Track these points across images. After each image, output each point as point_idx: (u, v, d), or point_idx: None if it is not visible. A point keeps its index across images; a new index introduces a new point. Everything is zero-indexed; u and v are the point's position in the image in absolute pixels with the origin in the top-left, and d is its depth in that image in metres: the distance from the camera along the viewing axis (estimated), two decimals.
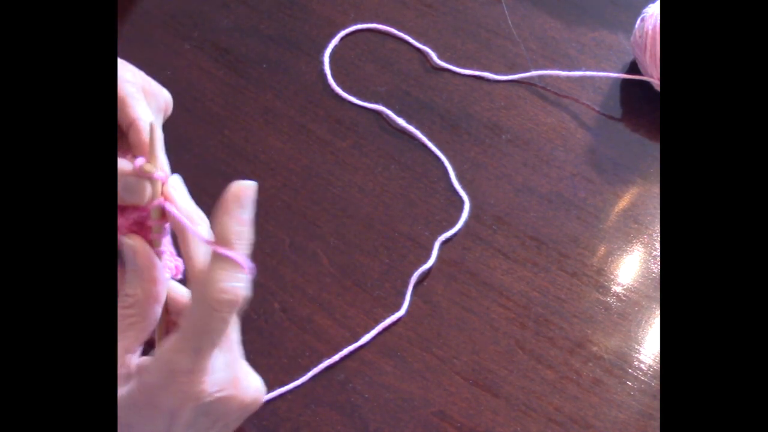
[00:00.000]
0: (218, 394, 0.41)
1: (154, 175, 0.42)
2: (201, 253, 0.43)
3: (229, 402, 0.42)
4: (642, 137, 0.68)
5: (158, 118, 0.46)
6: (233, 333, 0.44)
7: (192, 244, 0.43)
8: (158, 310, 0.44)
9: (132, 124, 0.44)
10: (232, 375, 0.42)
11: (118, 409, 0.39)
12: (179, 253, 0.45)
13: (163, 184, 0.43)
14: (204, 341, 0.40)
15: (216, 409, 0.42)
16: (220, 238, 0.41)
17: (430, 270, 0.61)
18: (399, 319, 0.59)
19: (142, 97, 0.45)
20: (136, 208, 0.44)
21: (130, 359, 0.42)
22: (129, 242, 0.43)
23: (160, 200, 0.43)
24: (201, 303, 0.40)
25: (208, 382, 0.40)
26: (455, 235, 0.62)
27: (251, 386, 0.44)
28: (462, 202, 0.63)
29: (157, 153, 0.44)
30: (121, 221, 0.43)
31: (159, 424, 0.40)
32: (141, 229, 0.44)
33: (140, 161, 0.42)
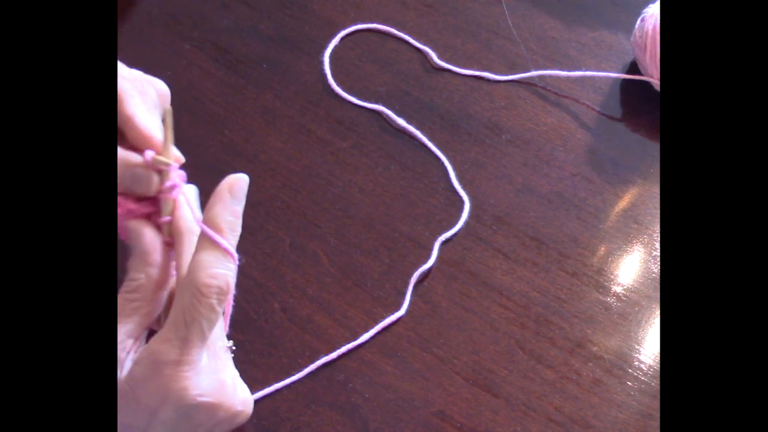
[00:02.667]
0: (201, 399, 0.40)
1: (168, 167, 0.43)
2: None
3: (213, 410, 0.41)
4: (642, 137, 0.68)
5: (155, 113, 0.46)
6: (219, 339, 0.43)
7: (187, 247, 0.43)
8: (163, 295, 0.43)
9: (128, 120, 0.43)
10: (218, 382, 0.41)
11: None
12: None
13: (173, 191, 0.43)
14: (192, 331, 0.39)
15: (198, 414, 0.40)
16: (212, 225, 0.41)
17: (430, 270, 0.61)
18: (399, 319, 0.59)
19: (138, 94, 0.45)
20: (141, 199, 0.44)
21: (131, 345, 0.41)
22: (133, 226, 0.43)
23: (173, 182, 0.43)
24: (189, 289, 0.40)
25: (192, 380, 0.39)
26: (455, 235, 0.62)
27: (238, 397, 0.43)
28: (462, 202, 0.63)
29: (169, 143, 0.44)
30: (124, 209, 0.43)
31: (138, 419, 0.39)
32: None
33: (150, 154, 0.42)
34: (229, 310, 0.48)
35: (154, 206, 0.44)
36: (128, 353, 0.40)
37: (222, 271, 0.40)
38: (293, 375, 0.56)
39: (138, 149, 0.43)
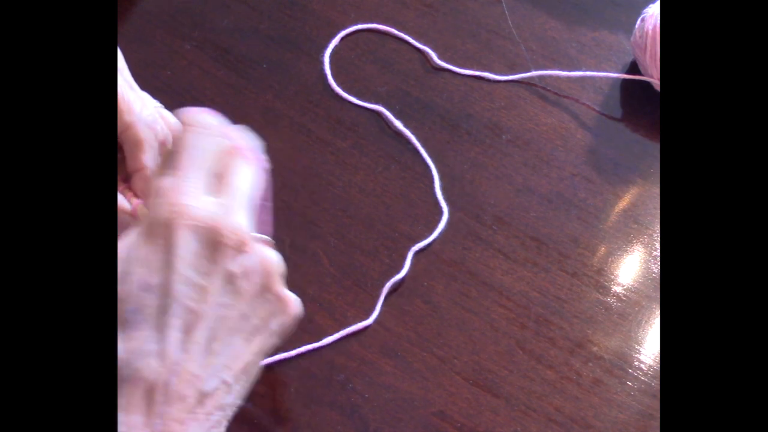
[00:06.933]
0: (211, 222, 0.38)
1: None
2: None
3: (216, 231, 0.39)
4: (642, 137, 0.68)
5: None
6: (237, 180, 0.42)
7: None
8: None
9: (139, 170, 0.46)
10: (228, 212, 0.40)
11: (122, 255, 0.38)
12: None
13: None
14: (183, 156, 0.40)
15: (213, 240, 0.38)
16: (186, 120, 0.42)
17: (430, 270, 0.61)
18: (399, 319, 0.59)
19: (156, 145, 0.47)
20: None
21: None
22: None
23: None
24: (180, 131, 0.41)
25: (196, 198, 0.39)
26: (455, 235, 0.62)
27: (264, 252, 0.42)
28: (441, 212, 0.63)
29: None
30: None
31: (156, 260, 0.38)
32: None
33: (136, 203, 0.43)
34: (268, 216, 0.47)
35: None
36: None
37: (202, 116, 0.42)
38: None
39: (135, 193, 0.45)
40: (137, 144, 0.47)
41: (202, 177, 0.40)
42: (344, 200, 0.63)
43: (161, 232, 0.38)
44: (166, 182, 0.39)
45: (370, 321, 0.58)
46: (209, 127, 0.41)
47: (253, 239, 0.41)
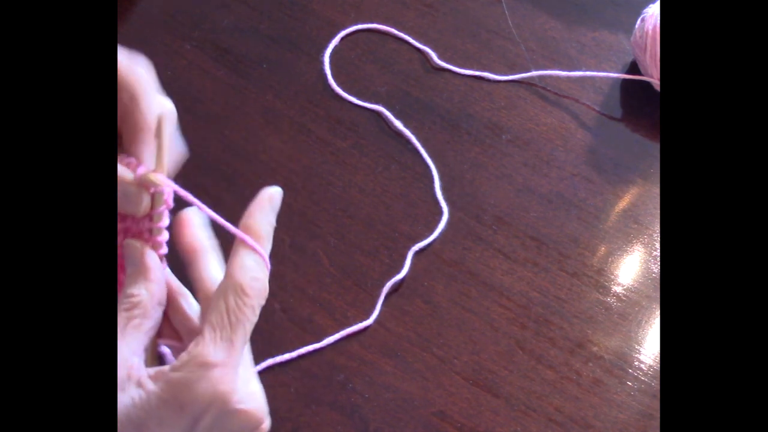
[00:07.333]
0: (240, 406, 0.40)
1: (159, 188, 0.42)
2: (212, 273, 0.43)
3: (246, 419, 0.40)
4: (642, 137, 0.68)
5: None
6: (247, 349, 0.43)
7: (204, 263, 0.44)
8: (160, 311, 0.43)
9: (141, 127, 0.42)
10: (251, 391, 0.41)
11: (132, 413, 0.38)
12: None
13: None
14: (236, 332, 0.39)
15: (233, 422, 0.40)
16: (253, 232, 0.42)
17: (430, 270, 0.61)
18: (399, 319, 0.59)
19: (155, 98, 0.44)
20: (133, 218, 0.43)
21: (138, 363, 0.41)
22: (133, 243, 0.43)
23: (162, 208, 0.42)
24: (233, 291, 0.40)
25: (236, 384, 0.39)
26: (455, 235, 0.62)
27: (265, 409, 0.43)
28: (442, 212, 0.63)
29: (164, 161, 0.43)
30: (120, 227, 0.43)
31: (178, 429, 0.39)
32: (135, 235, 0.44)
33: (141, 170, 0.41)
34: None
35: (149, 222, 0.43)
36: (137, 371, 0.40)
37: (263, 275, 0.41)
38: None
39: (138, 160, 0.42)
40: (137, 97, 0.43)
41: (246, 352, 0.41)
42: (344, 200, 0.63)
43: (193, 409, 0.38)
44: (215, 354, 0.39)
45: (370, 321, 0.58)
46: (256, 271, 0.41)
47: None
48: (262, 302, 0.41)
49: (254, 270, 0.41)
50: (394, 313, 0.59)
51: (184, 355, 0.40)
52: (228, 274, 0.41)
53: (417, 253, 0.61)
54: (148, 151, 0.43)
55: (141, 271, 0.42)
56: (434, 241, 0.62)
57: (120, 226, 0.43)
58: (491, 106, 0.69)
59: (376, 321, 0.58)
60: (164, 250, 0.43)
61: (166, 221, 0.43)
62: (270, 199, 0.44)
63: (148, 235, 0.43)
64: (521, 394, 0.56)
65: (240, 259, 0.41)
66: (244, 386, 0.41)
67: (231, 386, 0.39)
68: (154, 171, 0.41)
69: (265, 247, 0.42)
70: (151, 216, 0.43)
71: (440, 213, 0.63)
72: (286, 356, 0.56)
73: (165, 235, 0.43)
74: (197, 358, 0.39)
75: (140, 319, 0.41)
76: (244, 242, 0.41)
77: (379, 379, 0.56)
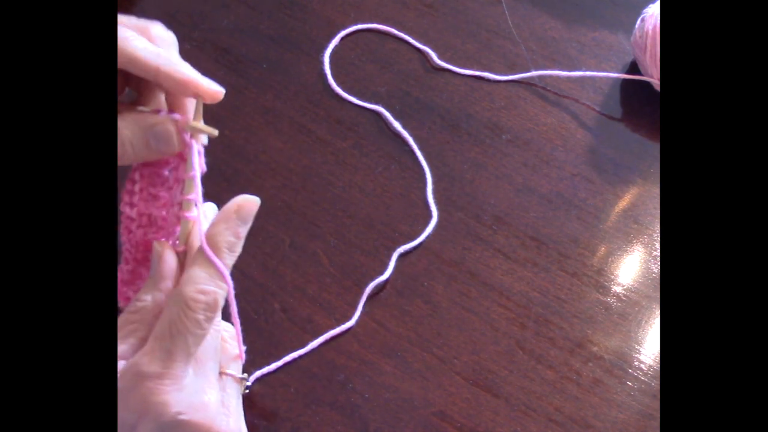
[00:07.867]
0: (180, 417, 0.39)
1: (199, 139, 0.42)
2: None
3: (191, 429, 0.39)
4: (642, 137, 0.68)
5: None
6: (212, 360, 0.43)
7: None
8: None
9: (183, 81, 0.42)
10: (201, 402, 0.40)
11: None
12: None
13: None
14: (176, 344, 0.38)
15: None
16: (212, 243, 0.41)
17: (430, 270, 0.61)
18: (399, 319, 0.59)
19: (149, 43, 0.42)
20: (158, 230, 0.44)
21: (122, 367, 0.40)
22: (158, 247, 0.42)
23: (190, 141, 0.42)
24: (176, 303, 0.39)
25: (173, 395, 0.38)
26: (455, 235, 0.62)
27: (226, 425, 0.42)
28: (431, 215, 0.63)
29: (201, 114, 0.43)
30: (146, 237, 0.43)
31: None
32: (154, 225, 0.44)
33: (177, 116, 0.42)
34: (241, 344, 0.48)
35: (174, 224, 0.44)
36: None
37: (212, 288, 0.40)
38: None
39: (173, 102, 0.43)
40: (131, 53, 0.40)
41: (209, 362, 0.42)
42: (344, 200, 0.63)
43: (124, 419, 0.38)
44: (150, 366, 0.38)
45: (352, 323, 0.58)
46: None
47: None
48: (212, 315, 0.40)
49: (204, 282, 0.40)
50: (394, 313, 0.59)
51: (123, 365, 0.39)
52: (180, 283, 0.40)
53: (417, 253, 0.61)
54: (190, 103, 0.43)
55: (156, 278, 0.42)
56: (424, 241, 0.61)
57: (145, 171, 0.43)
58: (491, 106, 0.69)
59: (376, 321, 0.58)
60: (193, 213, 0.44)
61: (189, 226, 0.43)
62: (238, 209, 0.42)
63: (178, 207, 0.44)
64: (521, 394, 0.56)
65: (192, 270, 0.40)
66: (191, 397, 0.39)
67: (165, 397, 0.38)
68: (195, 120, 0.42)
69: (225, 259, 0.41)
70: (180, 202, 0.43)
71: (430, 216, 0.63)
72: (287, 357, 0.56)
73: (194, 211, 0.44)
74: (132, 368, 0.38)
75: (137, 325, 0.41)
76: (204, 253, 0.41)
77: (379, 379, 0.56)
